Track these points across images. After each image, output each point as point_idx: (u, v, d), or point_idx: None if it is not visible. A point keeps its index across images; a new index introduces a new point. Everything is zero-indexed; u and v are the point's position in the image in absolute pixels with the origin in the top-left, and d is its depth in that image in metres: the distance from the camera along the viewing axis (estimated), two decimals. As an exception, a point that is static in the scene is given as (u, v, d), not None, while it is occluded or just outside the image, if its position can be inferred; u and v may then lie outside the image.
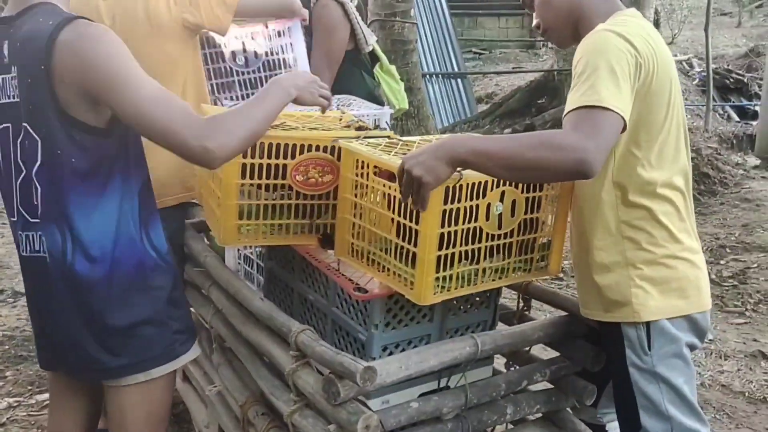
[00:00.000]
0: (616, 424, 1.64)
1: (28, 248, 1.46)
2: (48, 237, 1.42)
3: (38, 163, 1.38)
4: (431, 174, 1.27)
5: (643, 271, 1.46)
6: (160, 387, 1.54)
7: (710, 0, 8.73)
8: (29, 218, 1.44)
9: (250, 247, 2.00)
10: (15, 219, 1.47)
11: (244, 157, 1.52)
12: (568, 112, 1.33)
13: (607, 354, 1.58)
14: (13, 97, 1.40)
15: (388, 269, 1.44)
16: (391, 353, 1.48)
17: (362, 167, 1.50)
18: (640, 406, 1.50)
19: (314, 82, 1.60)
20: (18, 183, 1.43)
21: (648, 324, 1.46)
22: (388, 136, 1.66)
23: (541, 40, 12.71)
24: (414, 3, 6.53)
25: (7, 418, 2.54)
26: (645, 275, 1.46)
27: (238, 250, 2.06)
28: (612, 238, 1.49)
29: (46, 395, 2.73)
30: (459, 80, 9.19)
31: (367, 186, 1.49)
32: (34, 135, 1.37)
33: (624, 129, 1.34)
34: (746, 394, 2.95)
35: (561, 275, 4.40)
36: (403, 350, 1.49)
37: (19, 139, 1.40)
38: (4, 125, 1.43)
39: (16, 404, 2.73)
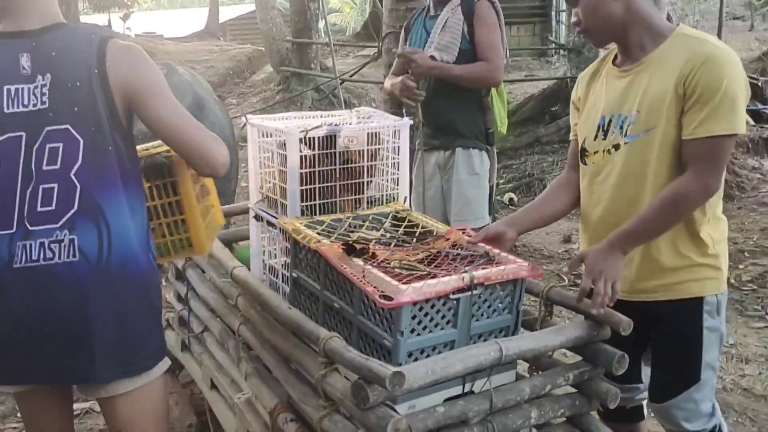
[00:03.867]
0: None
1: (24, 258, 1.42)
2: (82, 236, 1.43)
3: (79, 163, 1.43)
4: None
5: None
6: (162, 384, 1.64)
7: (723, 4, 8.72)
8: (40, 225, 1.42)
9: (275, 256, 2.05)
10: (12, 231, 1.43)
11: None
12: (707, 138, 1.64)
13: (676, 325, 1.82)
14: (35, 105, 1.42)
15: None
16: (416, 359, 1.51)
17: None
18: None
19: None
20: (28, 191, 1.43)
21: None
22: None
23: (553, 48, 12.73)
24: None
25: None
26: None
27: (264, 260, 2.10)
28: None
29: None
30: (472, 89, 9.22)
31: None
32: (76, 136, 1.42)
33: None
34: (768, 397, 2.94)
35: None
36: (428, 356, 1.52)
37: (36, 147, 1.43)
38: (14, 134, 1.44)
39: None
